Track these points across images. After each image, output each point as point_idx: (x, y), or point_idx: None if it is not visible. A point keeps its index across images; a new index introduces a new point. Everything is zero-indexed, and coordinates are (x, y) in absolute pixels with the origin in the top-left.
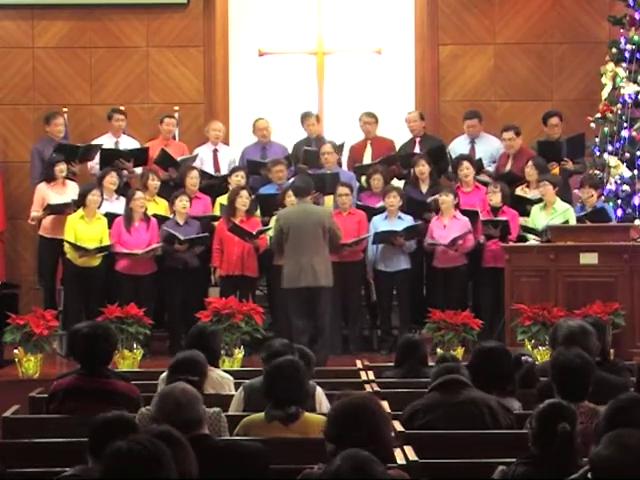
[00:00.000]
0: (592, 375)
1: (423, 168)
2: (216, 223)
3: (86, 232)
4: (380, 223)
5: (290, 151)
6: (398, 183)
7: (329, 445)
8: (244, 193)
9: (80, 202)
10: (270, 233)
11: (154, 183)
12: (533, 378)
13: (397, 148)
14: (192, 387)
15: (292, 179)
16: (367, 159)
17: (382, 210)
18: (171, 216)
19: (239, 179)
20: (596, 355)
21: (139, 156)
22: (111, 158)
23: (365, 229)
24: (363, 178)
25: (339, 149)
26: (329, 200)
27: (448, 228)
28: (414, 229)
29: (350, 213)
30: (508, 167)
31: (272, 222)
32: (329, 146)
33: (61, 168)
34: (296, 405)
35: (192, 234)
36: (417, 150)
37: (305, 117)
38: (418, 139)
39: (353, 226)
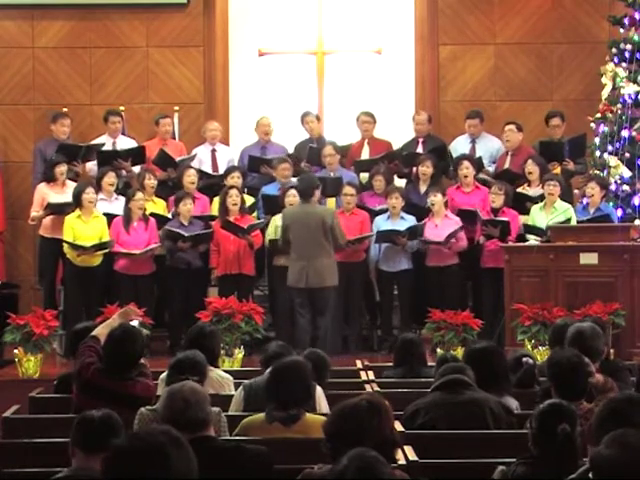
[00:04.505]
0: (588, 374)
1: (427, 169)
2: (214, 223)
3: (84, 231)
4: (383, 223)
5: (290, 152)
6: (400, 182)
7: (328, 444)
8: (233, 192)
9: (76, 202)
10: (269, 232)
11: (151, 182)
12: (532, 379)
13: (394, 149)
14: (201, 387)
15: (293, 179)
16: None
17: (382, 212)
18: (169, 216)
19: (235, 180)
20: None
21: (136, 155)
22: (109, 158)
23: (368, 229)
24: (362, 175)
25: (344, 150)
26: (331, 202)
27: (440, 228)
28: (417, 229)
29: (353, 213)
30: (507, 165)
31: (271, 221)
32: (330, 148)
33: (61, 170)
34: (299, 407)
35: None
36: (420, 150)
37: (305, 116)
38: (421, 139)
39: (356, 226)
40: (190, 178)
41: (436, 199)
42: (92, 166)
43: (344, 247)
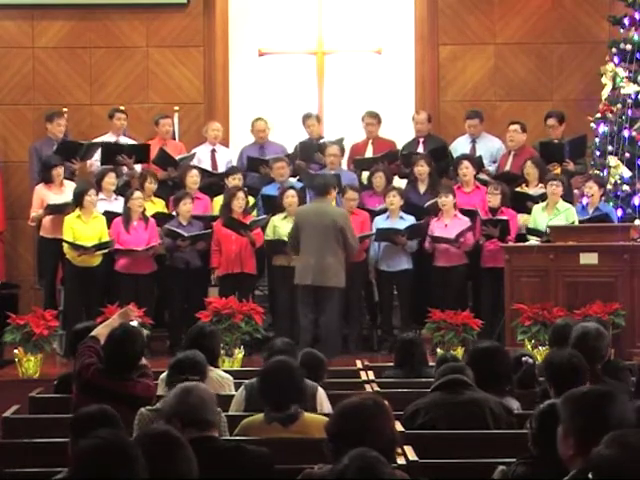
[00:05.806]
0: (587, 374)
1: (422, 169)
2: (215, 223)
3: (84, 231)
4: (382, 223)
5: (289, 151)
6: (400, 182)
7: (330, 444)
8: (240, 195)
9: (77, 202)
10: (267, 232)
11: (151, 186)
12: (532, 379)
13: (398, 149)
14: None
15: (291, 178)
16: None
17: (382, 212)
18: (173, 214)
19: (236, 181)
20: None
21: (141, 152)
22: (113, 153)
23: (368, 229)
24: (363, 174)
25: (339, 143)
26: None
27: (450, 227)
28: (416, 228)
29: (353, 213)
30: (508, 166)
31: (270, 222)
32: (336, 148)
33: (58, 172)
34: (293, 405)
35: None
36: (420, 150)
37: (306, 118)
38: (422, 139)
39: (356, 226)
40: (193, 178)
41: (447, 200)
42: (94, 161)
43: (352, 255)
